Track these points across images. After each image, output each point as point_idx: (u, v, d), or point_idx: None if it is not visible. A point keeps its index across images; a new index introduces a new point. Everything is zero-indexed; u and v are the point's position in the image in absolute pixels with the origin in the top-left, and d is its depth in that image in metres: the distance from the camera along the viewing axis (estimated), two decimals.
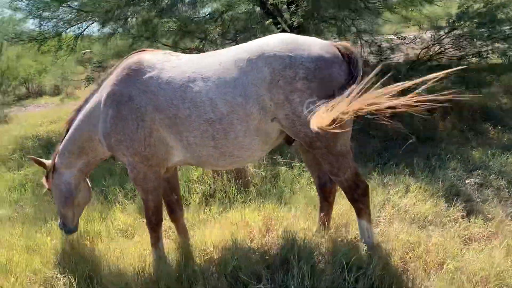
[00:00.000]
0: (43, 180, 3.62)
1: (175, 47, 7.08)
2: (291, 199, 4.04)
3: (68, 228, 3.50)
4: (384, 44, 6.85)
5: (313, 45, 2.69)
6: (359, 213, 2.99)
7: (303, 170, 4.69)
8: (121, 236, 3.73)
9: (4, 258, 3.31)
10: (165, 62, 2.92)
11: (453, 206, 3.66)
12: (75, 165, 3.33)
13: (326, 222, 3.28)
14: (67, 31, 8.81)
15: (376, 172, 4.46)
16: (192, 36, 7.11)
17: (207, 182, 4.52)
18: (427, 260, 2.87)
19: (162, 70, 2.86)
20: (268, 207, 3.78)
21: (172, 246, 3.35)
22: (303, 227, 3.33)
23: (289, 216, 3.61)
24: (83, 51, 12.49)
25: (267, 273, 2.71)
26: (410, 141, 4.35)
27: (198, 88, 2.71)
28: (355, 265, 2.71)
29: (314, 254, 2.87)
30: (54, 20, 8.35)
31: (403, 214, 3.58)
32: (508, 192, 3.93)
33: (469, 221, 3.43)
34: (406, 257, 2.93)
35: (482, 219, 3.43)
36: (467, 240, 3.21)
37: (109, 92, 2.93)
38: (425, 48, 6.60)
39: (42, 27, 8.60)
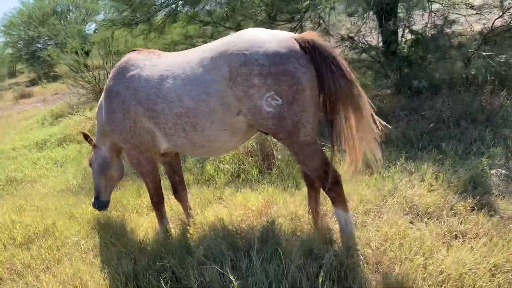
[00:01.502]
0: (86, 158, 4.27)
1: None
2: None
3: (101, 201, 4.02)
4: (453, 15, 6.26)
5: (271, 41, 2.73)
6: (333, 202, 3.04)
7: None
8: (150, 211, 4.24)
9: (51, 222, 4.05)
10: (146, 61, 3.26)
11: (464, 199, 3.46)
12: (106, 143, 3.87)
13: (315, 209, 3.38)
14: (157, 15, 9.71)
15: (403, 158, 4.33)
16: None
17: (236, 163, 4.83)
18: (397, 254, 2.84)
19: (142, 69, 3.21)
20: (270, 191, 3.97)
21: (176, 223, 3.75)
22: (291, 211, 3.47)
23: (290, 200, 3.76)
24: None
25: (234, 255, 2.94)
26: (431, 125, 4.09)
27: (169, 85, 2.99)
28: (314, 254, 2.82)
29: (281, 240, 3.02)
30: (147, 6, 9.30)
31: (404, 205, 3.50)
32: None
33: (465, 217, 3.24)
34: (377, 250, 2.92)
35: (484, 215, 3.21)
36: (458, 235, 3.07)
37: (106, 87, 3.39)
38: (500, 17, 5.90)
39: (133, 12, 9.65)
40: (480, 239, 2.95)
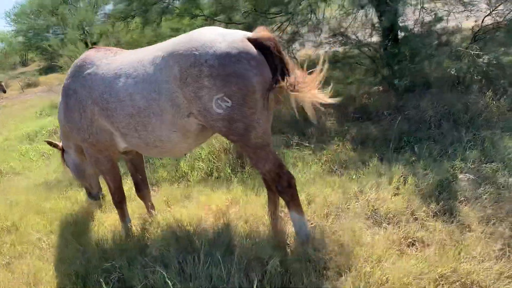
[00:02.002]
0: (61, 159, 4.28)
1: None
2: None
3: (93, 196, 4.14)
4: (443, 12, 6.11)
5: (221, 41, 2.67)
6: (287, 205, 3.01)
7: (309, 153, 4.71)
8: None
9: (18, 217, 4.07)
10: (103, 59, 3.22)
11: (428, 204, 3.39)
12: (71, 146, 3.86)
13: (273, 211, 3.35)
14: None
15: (376, 159, 4.26)
16: None
17: (211, 160, 4.80)
18: (345, 261, 2.79)
19: (98, 67, 3.17)
20: (238, 190, 3.94)
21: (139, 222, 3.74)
22: (251, 213, 3.44)
23: (254, 201, 3.73)
24: None
25: (183, 258, 2.92)
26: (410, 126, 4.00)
27: (121, 84, 2.95)
28: (261, 258, 2.79)
29: (233, 243, 2.99)
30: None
31: (366, 209, 3.44)
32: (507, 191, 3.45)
33: (425, 223, 3.16)
34: (327, 255, 2.87)
35: (443, 222, 3.14)
36: (414, 242, 3.00)
37: (63, 85, 3.37)
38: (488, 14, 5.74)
39: (130, 5, 9.65)
40: (433, 246, 2.89)
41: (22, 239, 3.77)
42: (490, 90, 5.29)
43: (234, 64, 2.61)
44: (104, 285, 2.61)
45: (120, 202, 3.60)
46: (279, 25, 7.70)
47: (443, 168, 3.89)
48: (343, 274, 2.70)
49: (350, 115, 5.75)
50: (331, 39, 7.26)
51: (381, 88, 6.68)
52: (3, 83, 20.66)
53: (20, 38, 32.02)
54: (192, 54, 2.67)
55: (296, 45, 7.64)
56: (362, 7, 6.99)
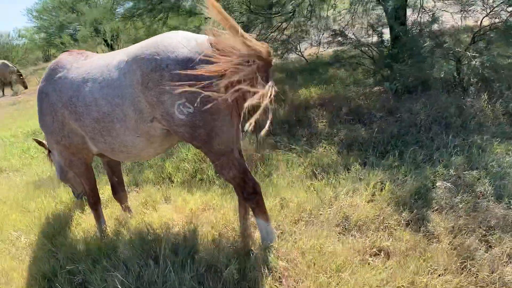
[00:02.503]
0: (48, 158, 4.35)
1: None
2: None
3: (75, 195, 4.22)
4: (441, 12, 5.96)
5: (184, 46, 2.64)
6: (253, 211, 3.00)
7: (295, 156, 4.67)
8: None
9: (3, 215, 4.17)
10: (73, 63, 3.24)
11: (401, 212, 3.32)
12: (53, 147, 3.92)
13: (243, 216, 3.34)
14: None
15: (358, 164, 4.21)
16: None
17: (196, 161, 4.81)
18: (304, 270, 2.76)
19: (68, 71, 3.20)
20: (213, 194, 3.94)
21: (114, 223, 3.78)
22: (221, 217, 3.44)
23: (228, 205, 3.72)
24: None
25: (144, 262, 2.94)
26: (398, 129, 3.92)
27: (88, 89, 2.97)
28: (218, 265, 2.79)
29: (196, 248, 3.00)
30: None
31: (338, 215, 3.39)
32: (486, 200, 3.35)
33: (394, 232, 3.10)
34: (289, 263, 2.85)
35: (413, 231, 3.08)
36: (380, 252, 2.95)
37: (38, 88, 3.41)
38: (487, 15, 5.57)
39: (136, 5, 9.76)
40: (397, 257, 2.83)
41: (2, 237, 3.85)
42: (486, 93, 5.16)
43: (195, 68, 2.55)
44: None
45: (94, 203, 3.64)
46: (279, 24, 7.65)
47: (423, 175, 3.81)
48: (300, 284, 2.67)
49: (342, 117, 5.68)
50: (331, 38, 7.19)
51: (381, 89, 6.58)
52: (24, 79, 21.13)
53: (42, 34, 32.58)
54: (154, 59, 2.65)
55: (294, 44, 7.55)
56: (366, 3, 6.90)
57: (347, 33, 6.88)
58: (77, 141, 3.26)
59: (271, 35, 7.71)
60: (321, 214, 3.45)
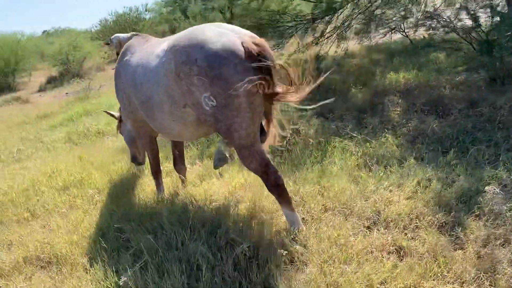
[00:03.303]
0: (116, 127, 4.93)
1: None
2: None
3: (137, 162, 4.76)
4: None
5: (214, 41, 2.73)
6: (278, 201, 3.12)
7: (355, 144, 4.63)
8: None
9: (87, 174, 4.87)
10: (137, 47, 3.60)
11: (438, 213, 3.20)
12: (126, 119, 4.44)
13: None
14: None
15: (414, 158, 4.06)
16: None
17: None
18: (310, 258, 2.84)
19: (132, 55, 3.57)
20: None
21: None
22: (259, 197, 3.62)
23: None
24: None
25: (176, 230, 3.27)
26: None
27: (138, 74, 3.31)
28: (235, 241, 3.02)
29: (220, 224, 3.26)
30: None
31: (370, 209, 3.37)
32: None
33: (419, 232, 3.01)
34: (305, 249, 2.95)
35: (442, 234, 2.96)
36: (397, 250, 2.90)
37: (115, 67, 3.85)
38: None
39: None
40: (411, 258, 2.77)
41: (82, 193, 4.52)
42: None
43: (220, 66, 2.68)
44: (102, 243, 3.10)
45: (155, 172, 4.07)
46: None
47: (478, 176, 3.56)
48: (306, 269, 2.77)
49: (419, 106, 5.39)
50: (423, 21, 6.76)
51: (473, 78, 6.07)
52: None
53: (169, 8, 34.94)
54: (185, 52, 2.81)
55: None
56: None
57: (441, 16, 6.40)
58: (140, 117, 3.62)
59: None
60: (355, 205, 3.44)
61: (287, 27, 7.76)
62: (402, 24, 9.83)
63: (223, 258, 2.88)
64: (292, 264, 2.87)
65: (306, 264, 2.83)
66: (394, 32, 10.16)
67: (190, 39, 2.88)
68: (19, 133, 8.55)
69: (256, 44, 2.75)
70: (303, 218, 3.36)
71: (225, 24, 3.08)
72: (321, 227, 3.17)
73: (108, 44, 23.35)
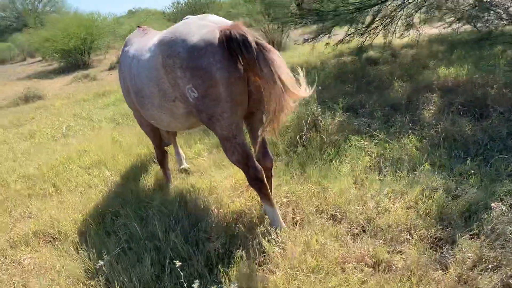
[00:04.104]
0: None
1: None
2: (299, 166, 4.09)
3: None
4: None
5: (195, 33, 2.77)
6: (259, 196, 3.09)
7: (373, 144, 4.42)
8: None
9: (111, 155, 5.10)
10: (135, 39, 3.68)
11: (429, 227, 2.98)
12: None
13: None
14: None
15: (429, 163, 3.79)
16: None
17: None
18: (278, 261, 2.78)
19: (130, 46, 3.64)
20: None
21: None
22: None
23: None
24: None
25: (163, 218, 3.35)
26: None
27: (133, 65, 3.36)
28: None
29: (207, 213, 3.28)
30: None
31: (361, 216, 3.21)
32: None
33: (401, 246, 2.81)
34: (283, 251, 2.89)
35: (426, 251, 2.76)
36: (381, 263, 2.74)
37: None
38: None
39: None
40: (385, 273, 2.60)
41: (101, 174, 4.74)
42: None
43: (199, 57, 2.70)
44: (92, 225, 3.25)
45: (161, 160, 4.17)
46: None
47: (491, 190, 3.24)
48: (274, 273, 2.72)
49: (455, 106, 4.99)
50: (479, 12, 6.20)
51: None
52: None
53: None
54: (170, 45, 2.85)
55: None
56: None
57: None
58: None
59: None
60: (349, 210, 3.29)
61: (332, 15, 7.49)
62: (471, 13, 9.11)
63: (196, 253, 2.89)
64: (263, 266, 2.82)
65: (278, 267, 2.76)
66: (464, 21, 9.43)
67: (175, 33, 2.91)
68: (74, 110, 9.11)
69: (236, 32, 2.67)
70: (292, 218, 3.28)
71: (211, 16, 3.10)
72: (305, 229, 3.07)
73: None
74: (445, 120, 4.68)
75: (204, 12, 26.40)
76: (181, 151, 4.50)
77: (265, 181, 3.01)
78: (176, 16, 25.59)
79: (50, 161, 5.48)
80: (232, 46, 2.64)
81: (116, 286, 2.72)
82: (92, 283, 2.86)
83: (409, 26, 8.77)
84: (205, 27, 2.83)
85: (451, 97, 5.25)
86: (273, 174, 3.44)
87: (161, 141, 4.15)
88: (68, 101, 10.65)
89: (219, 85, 2.70)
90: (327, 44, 9.31)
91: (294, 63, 10.02)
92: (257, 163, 3.00)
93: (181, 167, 4.52)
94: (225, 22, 2.94)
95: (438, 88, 5.68)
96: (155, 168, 4.61)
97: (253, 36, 2.68)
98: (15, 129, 8.22)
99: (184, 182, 4.05)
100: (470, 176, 3.52)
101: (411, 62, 8.11)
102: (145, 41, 3.41)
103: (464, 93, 5.31)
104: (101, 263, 2.85)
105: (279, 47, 13.20)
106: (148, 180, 4.37)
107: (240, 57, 2.65)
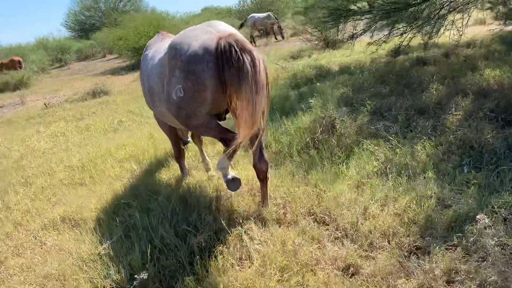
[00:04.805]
0: None
1: None
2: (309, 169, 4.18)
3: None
4: None
5: (197, 40, 3.02)
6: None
7: (388, 148, 4.40)
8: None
9: (142, 150, 5.53)
10: (153, 44, 4.00)
11: (408, 236, 2.99)
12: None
13: (261, 199, 3.60)
14: None
15: (433, 171, 3.74)
16: None
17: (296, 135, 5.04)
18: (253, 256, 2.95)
19: (149, 50, 3.97)
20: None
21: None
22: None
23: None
24: None
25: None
26: None
27: (149, 67, 3.70)
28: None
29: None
30: None
31: (346, 219, 3.28)
32: None
33: (376, 253, 2.86)
34: (259, 246, 3.06)
35: (398, 260, 2.78)
36: (351, 267, 2.82)
37: None
38: None
39: None
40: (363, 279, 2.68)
41: (129, 167, 5.16)
42: None
43: (196, 63, 2.95)
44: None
45: (177, 157, 4.47)
46: None
47: (486, 202, 3.15)
48: (242, 269, 2.89)
49: (484, 112, 4.78)
50: None
51: None
52: (283, 30, 23.63)
53: None
54: (175, 48, 3.13)
55: None
56: None
57: None
58: None
59: None
60: (338, 213, 3.36)
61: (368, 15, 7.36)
62: None
63: (181, 245, 3.14)
64: (242, 261, 2.99)
65: (253, 263, 2.93)
66: None
67: (181, 37, 3.19)
68: (130, 106, 9.76)
69: (234, 42, 2.88)
70: (279, 219, 3.41)
71: (217, 23, 3.31)
72: (288, 230, 3.20)
73: (242, 26, 24.67)
74: (468, 126, 4.52)
75: (269, 10, 26.74)
76: (207, 158, 4.73)
77: (233, 144, 3.11)
78: (242, 14, 26.09)
79: (92, 153, 6.02)
80: (221, 56, 2.87)
81: (111, 270, 3.03)
82: (92, 265, 3.20)
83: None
84: (207, 33, 3.07)
85: (482, 102, 5.02)
86: (268, 177, 3.59)
87: (177, 138, 4.44)
88: (129, 97, 11.41)
89: (207, 89, 2.96)
90: (377, 42, 9.06)
91: (343, 62, 9.98)
92: (233, 132, 3.20)
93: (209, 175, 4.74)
94: (228, 30, 3.15)
95: (472, 92, 5.44)
96: (175, 164, 4.93)
97: (249, 51, 2.87)
98: (75, 122, 9.02)
99: (193, 180, 4.31)
100: (471, 186, 3.42)
101: (461, 63, 7.75)
102: (161, 45, 3.74)
103: (497, 98, 5.06)
104: (101, 249, 3.20)
105: (334, 45, 13.10)
106: (165, 174, 4.69)
107: (225, 67, 2.85)
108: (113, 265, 3.08)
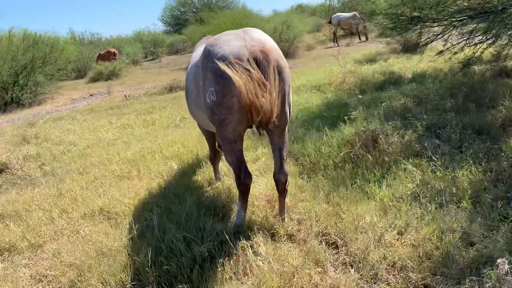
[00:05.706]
0: None
1: None
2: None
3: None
4: None
5: (228, 45, 3.09)
6: (239, 196, 3.41)
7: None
8: None
9: (184, 150, 5.70)
10: (198, 46, 4.20)
11: (418, 272, 2.76)
12: None
13: (279, 210, 3.55)
14: None
15: (470, 200, 3.41)
16: None
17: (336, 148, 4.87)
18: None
19: (194, 53, 4.15)
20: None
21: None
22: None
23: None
24: None
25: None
26: None
27: (189, 69, 3.86)
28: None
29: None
30: None
31: (356, 244, 3.11)
32: None
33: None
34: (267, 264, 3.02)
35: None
36: None
37: None
38: None
39: None
40: None
41: (170, 165, 5.35)
42: None
43: (226, 67, 2.96)
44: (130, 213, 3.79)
45: (212, 159, 4.56)
46: None
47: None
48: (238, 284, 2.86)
49: None
50: None
51: None
52: (367, 30, 22.92)
53: None
54: (209, 50, 3.23)
55: None
56: None
57: None
58: None
59: None
60: (350, 237, 3.20)
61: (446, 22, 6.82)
62: None
63: (184, 252, 3.19)
64: (242, 276, 2.97)
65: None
66: None
67: (215, 40, 3.30)
68: None
69: (261, 51, 3.00)
70: (292, 235, 3.33)
71: (252, 31, 3.34)
72: (293, 248, 3.12)
73: (330, 22, 24.34)
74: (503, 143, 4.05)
75: (354, 10, 26.04)
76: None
77: (249, 188, 3.32)
78: (327, 13, 25.72)
79: (146, 148, 6.33)
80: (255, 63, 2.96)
81: (120, 266, 3.18)
82: (106, 260, 3.37)
83: None
84: (239, 39, 3.14)
85: None
86: (287, 188, 3.52)
87: (214, 141, 4.52)
88: None
89: (235, 96, 2.99)
90: (450, 50, 8.42)
91: (418, 68, 9.44)
92: (248, 169, 3.28)
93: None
94: (263, 38, 3.21)
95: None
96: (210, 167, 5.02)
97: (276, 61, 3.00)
98: (144, 115, 9.51)
99: (222, 186, 4.35)
100: (508, 223, 3.06)
101: None
102: (201, 47, 3.88)
103: None
104: (116, 244, 3.36)
105: (415, 49, 12.37)
106: (200, 176, 4.79)
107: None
108: (123, 262, 3.21)
